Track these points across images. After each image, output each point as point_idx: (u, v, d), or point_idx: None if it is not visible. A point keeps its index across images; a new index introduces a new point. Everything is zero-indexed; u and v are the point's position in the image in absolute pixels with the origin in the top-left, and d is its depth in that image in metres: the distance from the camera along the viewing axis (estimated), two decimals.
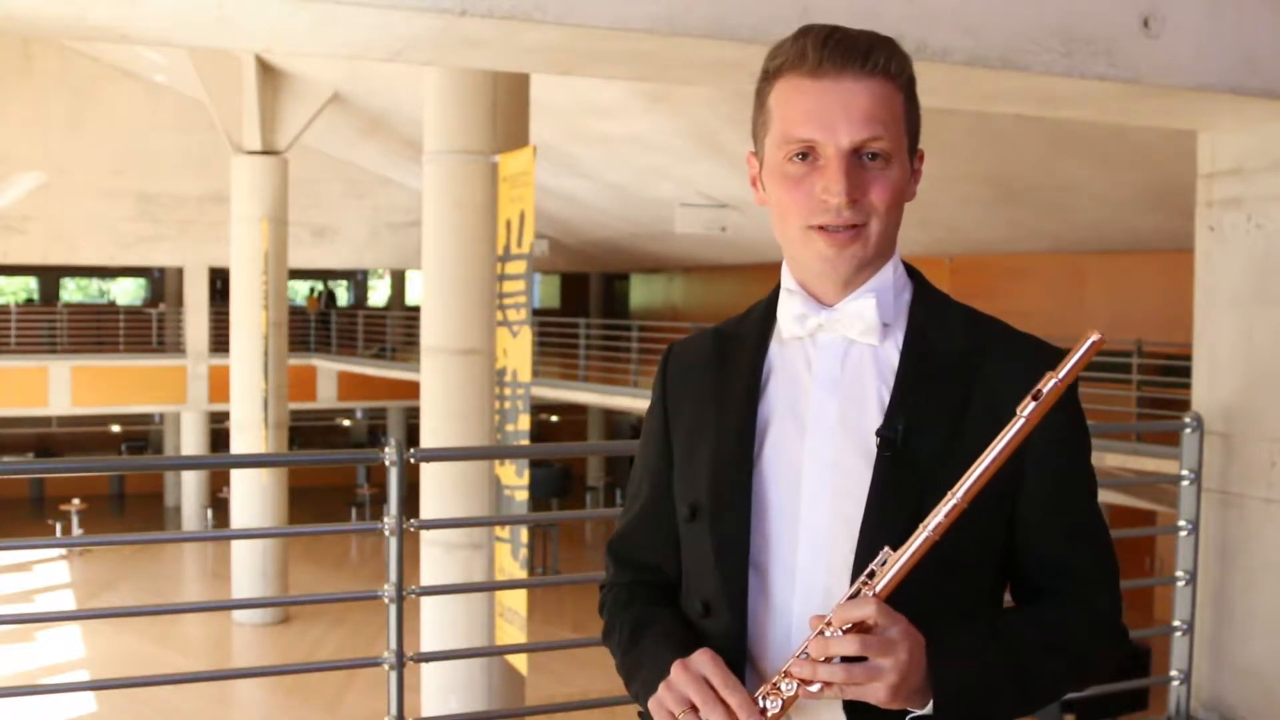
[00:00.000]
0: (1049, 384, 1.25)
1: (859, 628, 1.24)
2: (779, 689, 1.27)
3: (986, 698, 1.30)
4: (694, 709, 1.29)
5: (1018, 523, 1.38)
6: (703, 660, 1.31)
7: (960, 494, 1.26)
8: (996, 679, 1.30)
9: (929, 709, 1.28)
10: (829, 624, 1.25)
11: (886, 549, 1.27)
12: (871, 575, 1.27)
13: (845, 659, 1.24)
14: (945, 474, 1.29)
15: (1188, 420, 4.06)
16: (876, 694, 1.24)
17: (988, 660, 1.30)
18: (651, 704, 1.34)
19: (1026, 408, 1.25)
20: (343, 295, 32.36)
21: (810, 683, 1.25)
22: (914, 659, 1.24)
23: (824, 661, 1.24)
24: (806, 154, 1.33)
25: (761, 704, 1.27)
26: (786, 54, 1.35)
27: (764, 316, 1.47)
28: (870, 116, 1.31)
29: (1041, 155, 10.23)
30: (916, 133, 1.40)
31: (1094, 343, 1.25)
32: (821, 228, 1.34)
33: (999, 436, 1.26)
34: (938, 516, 1.25)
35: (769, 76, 1.38)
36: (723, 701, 1.28)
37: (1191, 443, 4.06)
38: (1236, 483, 4.05)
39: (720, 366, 1.47)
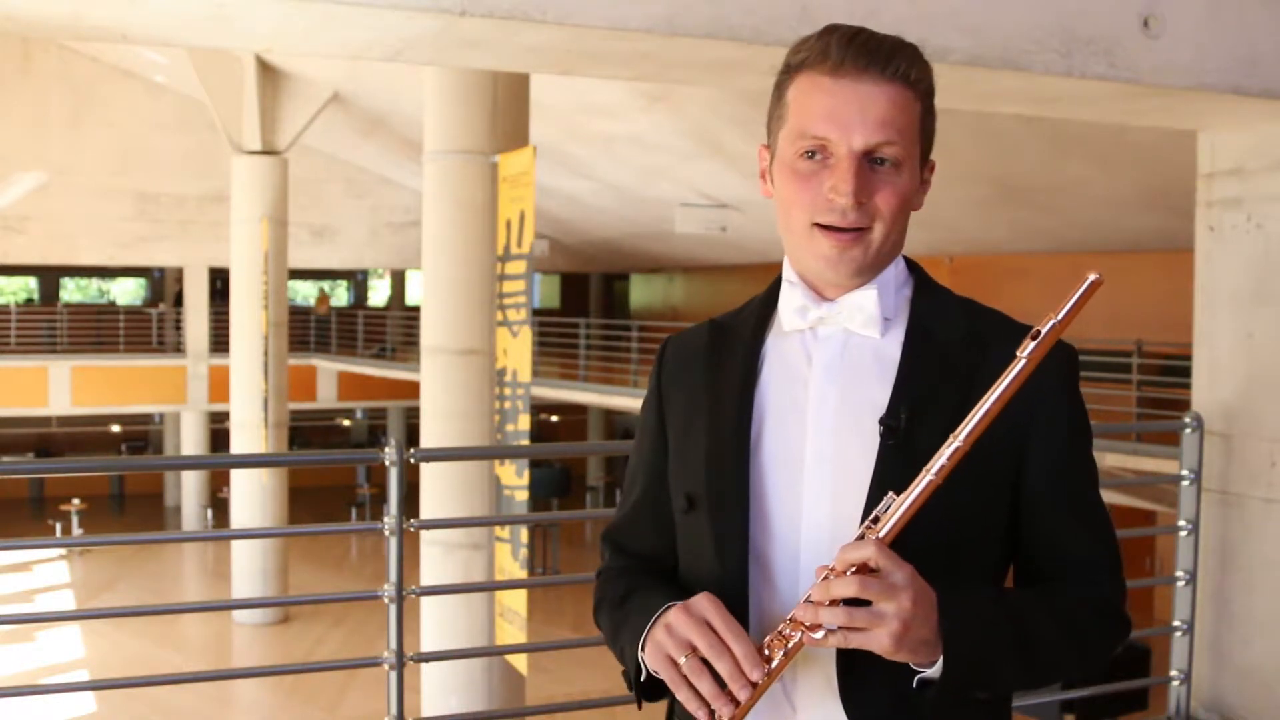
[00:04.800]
0: (1048, 324, 1.25)
1: (863, 571, 1.23)
2: (783, 636, 1.25)
3: (994, 662, 1.29)
4: (695, 652, 1.28)
5: (1022, 510, 1.39)
6: (704, 604, 1.30)
7: (963, 436, 1.25)
8: (1004, 645, 1.30)
9: (935, 670, 1.26)
10: (832, 569, 1.24)
11: (890, 494, 1.26)
12: (876, 520, 1.26)
13: (851, 605, 1.22)
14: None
15: (1188, 420, 4.06)
16: (880, 641, 1.22)
17: (997, 624, 1.29)
18: (649, 649, 1.33)
19: (1026, 348, 1.25)
20: (342, 295, 32.38)
21: (814, 629, 1.23)
22: (919, 608, 1.22)
23: (827, 606, 1.22)
24: (818, 151, 1.34)
25: (765, 654, 1.26)
26: (810, 50, 1.35)
27: (762, 308, 1.47)
28: (885, 121, 1.32)
29: (1041, 155, 10.23)
30: (930, 143, 1.40)
31: (1092, 282, 1.24)
32: (825, 226, 1.34)
33: (1001, 378, 1.26)
34: (940, 459, 1.25)
35: (790, 70, 1.38)
36: (727, 648, 1.26)
37: (1191, 443, 4.06)
38: (1236, 483, 4.05)
39: (716, 357, 1.47)
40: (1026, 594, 1.38)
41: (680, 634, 1.29)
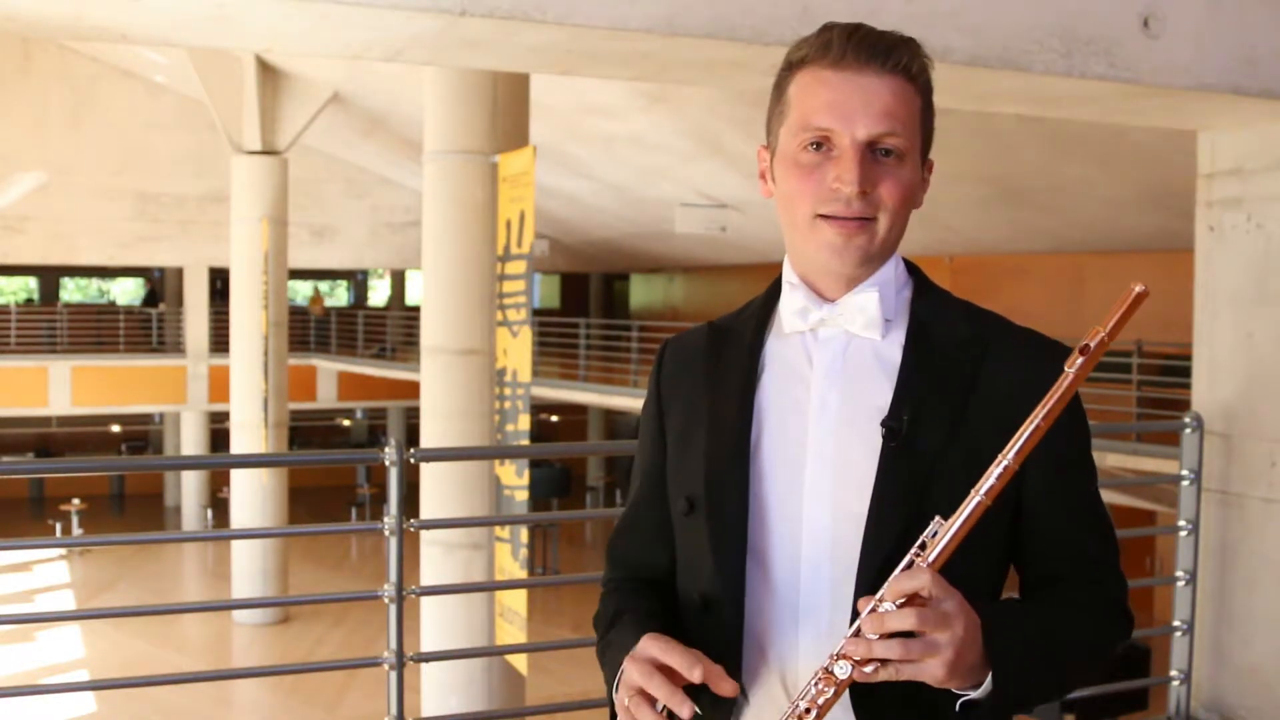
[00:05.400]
0: (1095, 338, 1.24)
1: (912, 601, 1.21)
2: (832, 674, 1.23)
3: (1033, 679, 1.29)
4: (642, 693, 1.28)
5: (1025, 511, 1.39)
6: (644, 644, 1.31)
7: (1011, 455, 1.24)
8: (1041, 661, 1.30)
9: (980, 691, 1.26)
10: (881, 599, 1.22)
11: (938, 518, 1.25)
12: (923, 546, 1.24)
13: (899, 636, 1.21)
14: (949, 464, 1.29)
15: (1188, 420, 4.06)
16: (933, 671, 1.20)
17: (1033, 642, 1.29)
18: (617, 702, 1.34)
19: (1075, 363, 1.24)
20: (342, 295, 32.39)
21: (866, 662, 1.21)
22: (969, 634, 1.22)
23: (880, 639, 1.20)
24: (821, 143, 1.34)
25: (814, 690, 1.24)
26: (810, 46, 1.36)
27: (762, 310, 1.47)
28: (888, 112, 1.33)
29: (1041, 155, 10.23)
30: (929, 138, 1.40)
31: (1138, 294, 1.22)
32: (830, 217, 1.34)
33: (1049, 394, 1.24)
34: (989, 480, 1.23)
35: (791, 67, 1.39)
36: (657, 669, 1.27)
37: (1191, 443, 4.06)
38: (1236, 483, 4.05)
39: (716, 359, 1.47)
40: (1049, 603, 1.38)
41: (628, 681, 1.31)
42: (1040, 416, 1.24)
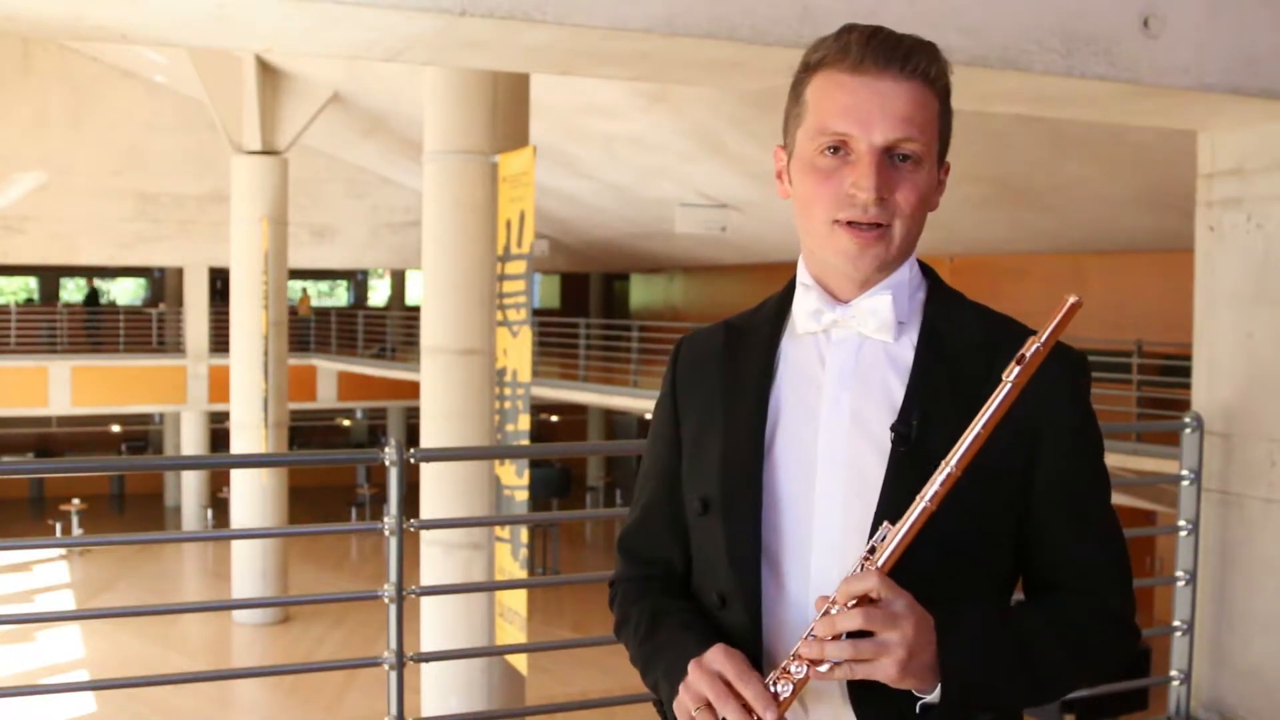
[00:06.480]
0: (1031, 348, 1.27)
1: (864, 602, 1.24)
2: (789, 672, 1.26)
3: (993, 682, 1.30)
4: (709, 706, 1.29)
5: (1031, 519, 1.39)
6: (716, 656, 1.31)
7: (954, 462, 1.26)
8: (1004, 664, 1.30)
9: (936, 694, 1.27)
10: (834, 602, 1.25)
11: (886, 524, 1.27)
12: (873, 551, 1.27)
13: (853, 636, 1.23)
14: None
15: (1188, 420, 4.06)
16: (886, 670, 1.23)
17: (996, 644, 1.30)
18: (675, 706, 1.35)
19: (1012, 372, 1.26)
20: (342, 295, 32.38)
21: (819, 663, 1.24)
22: (920, 634, 1.24)
23: (831, 640, 1.23)
24: (839, 148, 1.34)
25: (773, 689, 1.27)
26: (829, 49, 1.36)
27: (777, 310, 1.47)
28: (906, 118, 1.32)
29: (1041, 155, 10.23)
30: (947, 142, 1.40)
31: (1072, 305, 1.26)
32: (846, 223, 1.34)
33: (988, 402, 1.27)
34: (933, 486, 1.26)
35: (808, 69, 1.38)
36: (736, 694, 1.27)
37: (1191, 443, 4.06)
38: (1236, 483, 4.05)
39: (731, 359, 1.47)
40: (1030, 610, 1.38)
41: (694, 689, 1.31)
42: (980, 424, 1.27)
